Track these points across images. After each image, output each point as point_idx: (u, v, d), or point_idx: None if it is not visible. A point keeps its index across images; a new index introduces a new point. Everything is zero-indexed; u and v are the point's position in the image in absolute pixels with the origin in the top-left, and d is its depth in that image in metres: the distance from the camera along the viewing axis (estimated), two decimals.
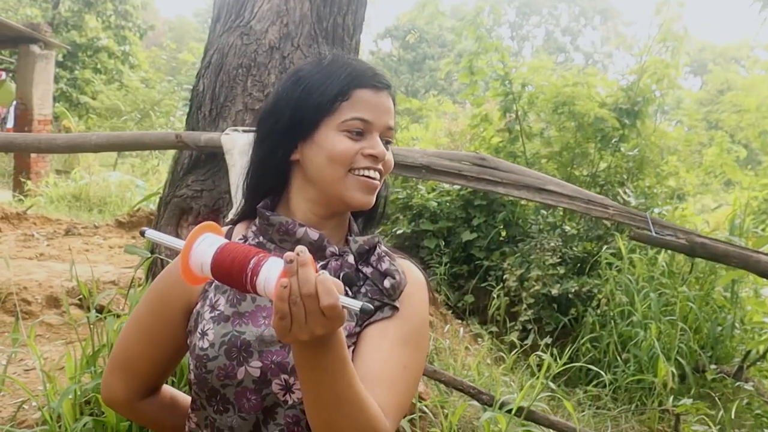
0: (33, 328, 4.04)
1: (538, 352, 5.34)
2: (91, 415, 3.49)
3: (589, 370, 6.55)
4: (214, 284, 1.68)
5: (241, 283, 1.35)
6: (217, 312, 1.64)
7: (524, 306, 7.34)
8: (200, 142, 3.75)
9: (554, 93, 8.86)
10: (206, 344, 1.61)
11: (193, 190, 3.90)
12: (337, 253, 1.67)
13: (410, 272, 1.70)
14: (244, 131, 3.75)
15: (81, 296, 5.68)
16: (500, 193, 3.66)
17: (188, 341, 1.70)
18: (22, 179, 14.69)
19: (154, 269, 3.94)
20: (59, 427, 3.56)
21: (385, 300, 1.62)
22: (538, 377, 4.03)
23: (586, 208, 3.61)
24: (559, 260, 7.62)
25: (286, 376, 1.57)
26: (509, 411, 3.85)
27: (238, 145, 3.68)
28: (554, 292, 7.32)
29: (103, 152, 15.27)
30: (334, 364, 1.37)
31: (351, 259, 1.67)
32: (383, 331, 1.60)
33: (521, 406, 3.84)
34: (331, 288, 1.28)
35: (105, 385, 1.84)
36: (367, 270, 1.67)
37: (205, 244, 1.39)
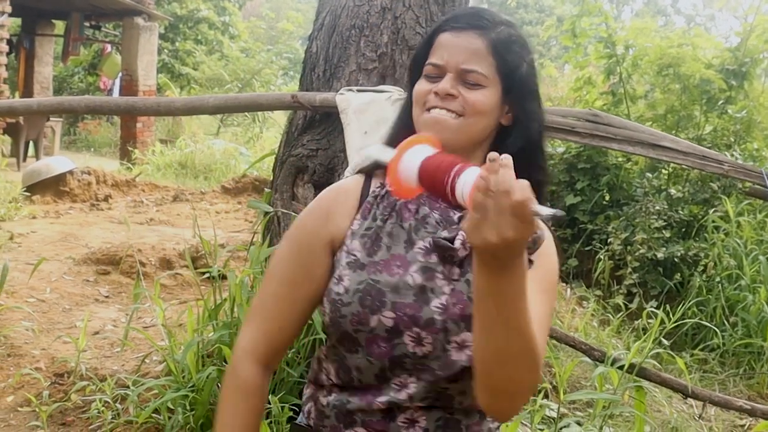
0: (158, 285, 4.20)
1: (649, 309, 5.31)
2: (213, 366, 3.61)
3: (695, 334, 6.49)
4: (350, 230, 1.72)
5: (443, 184, 1.37)
6: (353, 258, 1.68)
7: (629, 270, 7.27)
8: (315, 102, 3.84)
9: (658, 55, 8.69)
10: (341, 289, 1.65)
11: (308, 150, 3.99)
12: None
13: (545, 231, 1.70)
14: (359, 91, 3.82)
15: (199, 254, 5.86)
16: (614, 149, 3.66)
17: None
18: (130, 148, 15.10)
19: (271, 227, 4.05)
20: (183, 377, 3.70)
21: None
22: (647, 337, 4.03)
23: (701, 164, 3.58)
24: (664, 223, 7.51)
25: (418, 329, 1.60)
26: (620, 368, 3.86)
27: (352, 105, 3.76)
28: (660, 255, 7.23)
29: (217, 115, 15.55)
30: (518, 293, 1.36)
31: None
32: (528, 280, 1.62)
33: (632, 363, 3.86)
34: (525, 187, 1.26)
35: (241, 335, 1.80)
36: None
37: (416, 152, 1.43)
